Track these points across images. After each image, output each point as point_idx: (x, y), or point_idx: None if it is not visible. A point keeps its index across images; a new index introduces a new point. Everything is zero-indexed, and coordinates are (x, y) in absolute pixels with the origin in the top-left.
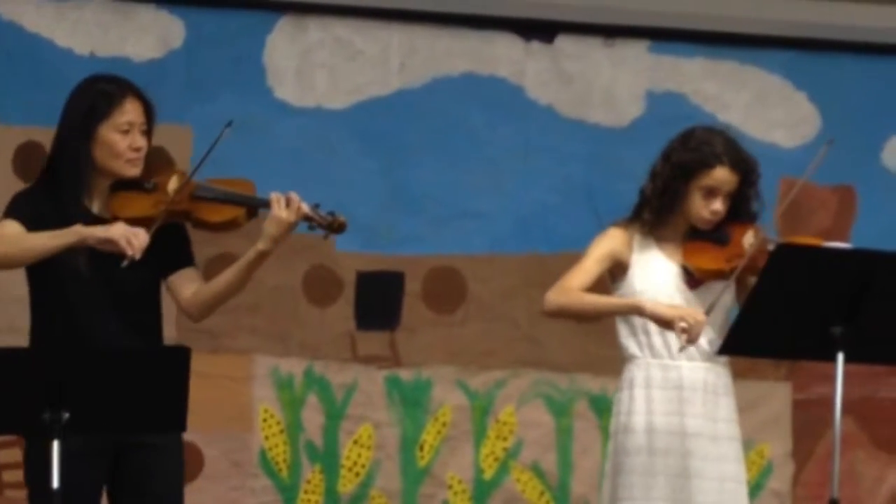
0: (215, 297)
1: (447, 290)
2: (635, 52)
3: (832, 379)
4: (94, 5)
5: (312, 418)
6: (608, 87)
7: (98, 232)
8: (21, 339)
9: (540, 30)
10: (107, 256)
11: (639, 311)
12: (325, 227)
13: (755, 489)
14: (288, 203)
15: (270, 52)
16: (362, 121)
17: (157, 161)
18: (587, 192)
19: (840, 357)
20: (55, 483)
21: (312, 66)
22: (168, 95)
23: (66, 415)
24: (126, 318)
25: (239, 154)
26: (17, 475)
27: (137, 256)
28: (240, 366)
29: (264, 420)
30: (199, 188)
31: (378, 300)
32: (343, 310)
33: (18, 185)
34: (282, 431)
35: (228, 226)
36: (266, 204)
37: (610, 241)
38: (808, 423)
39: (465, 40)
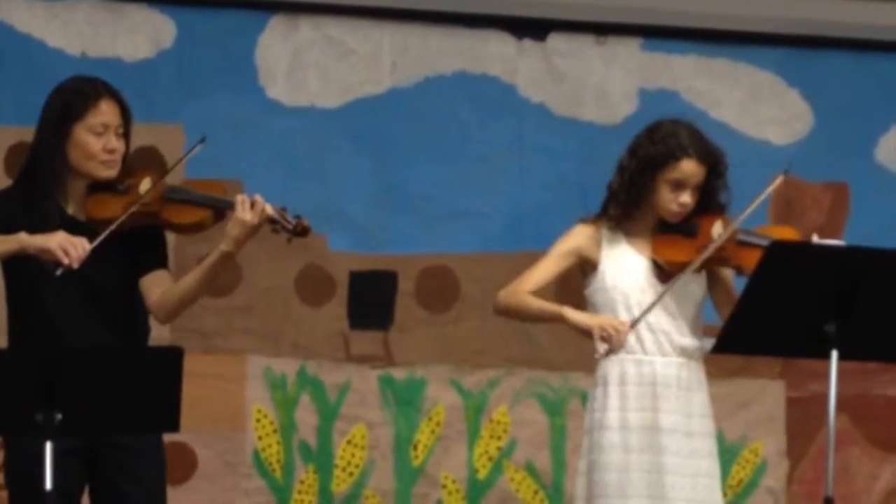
0: (181, 300)
1: (440, 289)
2: (628, 50)
3: (826, 376)
4: (86, 5)
5: (306, 418)
6: (601, 84)
7: (37, 241)
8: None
9: (532, 28)
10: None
11: (560, 319)
12: (288, 231)
13: (749, 487)
14: (252, 205)
15: (262, 51)
16: (354, 120)
17: (140, 162)
18: (580, 191)
19: (834, 354)
20: (48, 485)
21: (304, 66)
22: (160, 95)
23: (59, 416)
24: (99, 317)
25: (231, 154)
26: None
27: (75, 266)
28: (233, 366)
29: (257, 420)
30: (169, 190)
31: (371, 299)
32: (336, 309)
33: None
34: (275, 431)
35: (195, 228)
36: (228, 205)
37: (574, 238)
38: (803, 421)
39: (458, 39)
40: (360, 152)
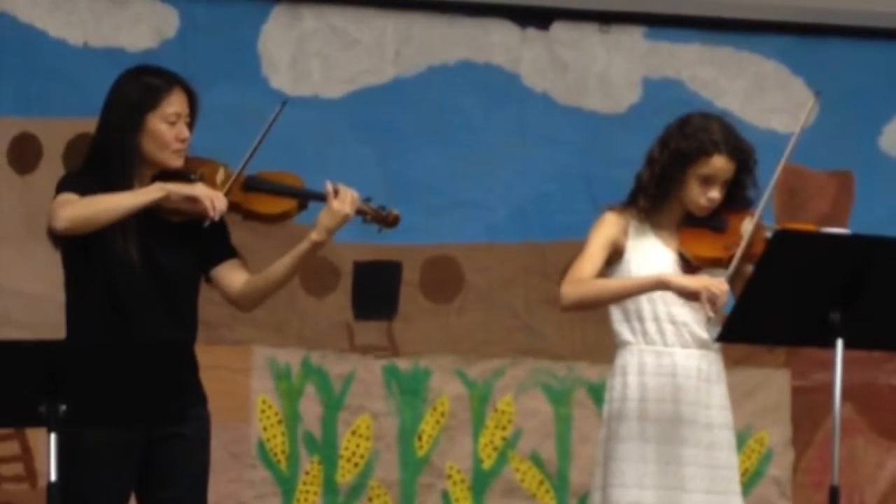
0: (268, 287)
1: (444, 279)
2: (631, 39)
3: (831, 365)
4: None
5: (310, 409)
6: (604, 73)
7: (184, 189)
8: (16, 332)
9: (535, 17)
10: (155, 246)
11: (664, 285)
12: (378, 221)
13: (755, 477)
14: (346, 196)
15: (265, 41)
16: (358, 109)
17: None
18: (584, 180)
19: (839, 343)
20: (52, 476)
21: (308, 55)
22: None
23: (63, 407)
24: (170, 311)
25: (235, 143)
26: (16, 468)
27: (217, 218)
28: (237, 357)
29: (262, 411)
30: (251, 179)
31: (375, 290)
32: (340, 300)
33: (13, 177)
34: (280, 422)
35: (281, 217)
36: (318, 196)
37: (609, 227)
38: (808, 410)
39: (461, 28)
40: (363, 142)
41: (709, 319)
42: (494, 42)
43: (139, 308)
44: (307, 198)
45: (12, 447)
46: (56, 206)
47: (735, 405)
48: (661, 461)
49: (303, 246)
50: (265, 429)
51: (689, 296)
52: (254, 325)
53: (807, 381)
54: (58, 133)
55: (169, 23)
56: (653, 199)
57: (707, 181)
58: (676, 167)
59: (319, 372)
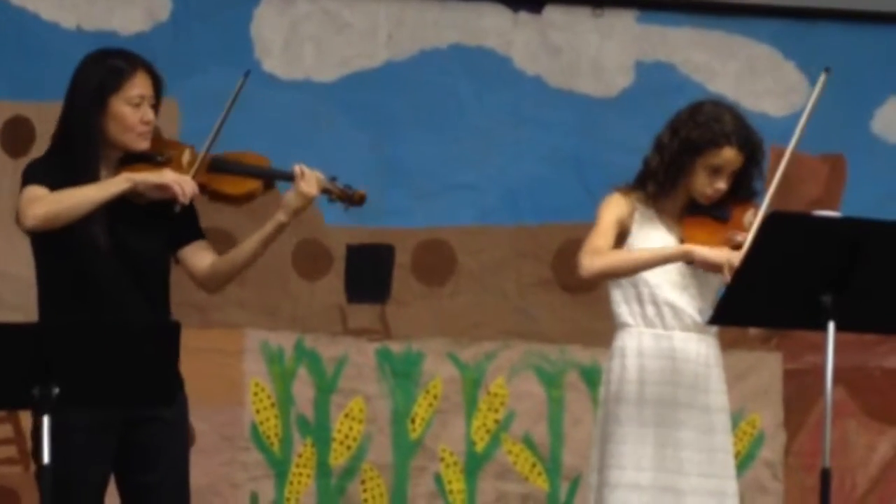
0: (234, 269)
1: (437, 262)
2: (623, 23)
3: (823, 348)
4: None
5: (303, 392)
6: (596, 57)
7: (151, 177)
8: (8, 315)
9: (528, 0)
10: (123, 229)
11: (689, 256)
12: (344, 200)
13: (747, 459)
14: (310, 177)
15: (258, 24)
16: (350, 93)
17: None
18: (576, 163)
19: (831, 326)
20: (46, 459)
21: (300, 39)
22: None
23: (56, 390)
24: (143, 293)
25: (227, 127)
26: (9, 451)
27: (186, 203)
28: (230, 340)
29: (255, 394)
30: (217, 160)
31: (368, 273)
32: (333, 283)
33: (5, 160)
34: (273, 405)
35: (247, 198)
36: (285, 176)
37: (617, 208)
38: (799, 393)
39: (453, 12)
40: (355, 126)
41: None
42: (487, 26)
43: (109, 291)
44: (273, 177)
45: (5, 430)
46: (24, 204)
47: (727, 388)
48: (659, 444)
49: (268, 227)
50: (258, 412)
51: (713, 268)
52: (246, 308)
53: (798, 363)
54: (50, 116)
55: (161, 6)
56: (661, 185)
57: (715, 172)
58: (686, 156)
59: (312, 355)
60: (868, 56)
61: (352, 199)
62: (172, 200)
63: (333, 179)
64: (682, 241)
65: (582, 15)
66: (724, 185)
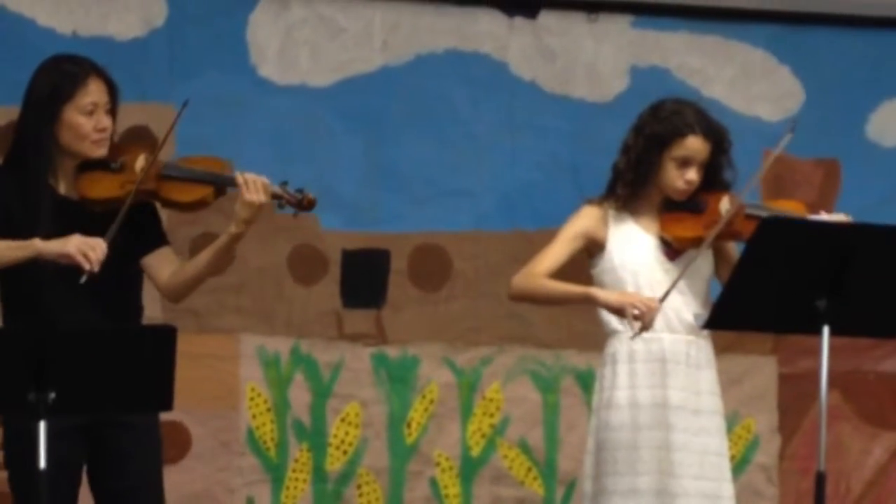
0: (193, 279)
1: (433, 267)
2: (618, 27)
3: (818, 352)
4: None
5: (299, 397)
6: (592, 62)
7: (54, 247)
8: None
9: (523, 6)
10: (72, 233)
11: (590, 299)
12: (294, 205)
13: (742, 463)
14: (256, 185)
15: (253, 29)
16: (346, 98)
17: (130, 140)
18: (572, 168)
19: (825, 330)
20: (42, 464)
21: (296, 44)
22: (151, 74)
23: (52, 395)
24: (101, 301)
25: (222, 132)
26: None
27: (96, 269)
28: (226, 345)
29: (251, 399)
30: (166, 167)
31: (363, 278)
32: (329, 288)
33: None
34: (269, 410)
35: (197, 205)
36: (232, 182)
37: (582, 221)
38: (794, 397)
39: (449, 17)
40: (351, 131)
41: (634, 336)
42: (482, 31)
43: (59, 301)
44: (222, 184)
45: None
46: None
47: (722, 392)
48: (653, 447)
49: (222, 240)
50: (254, 417)
51: (615, 311)
52: (243, 313)
53: (793, 368)
54: None
55: (157, 12)
56: (631, 185)
57: (684, 163)
58: (652, 152)
59: (308, 360)
60: (863, 61)
61: (301, 204)
62: (79, 269)
63: (284, 184)
64: (660, 238)
65: (577, 20)
66: (695, 176)
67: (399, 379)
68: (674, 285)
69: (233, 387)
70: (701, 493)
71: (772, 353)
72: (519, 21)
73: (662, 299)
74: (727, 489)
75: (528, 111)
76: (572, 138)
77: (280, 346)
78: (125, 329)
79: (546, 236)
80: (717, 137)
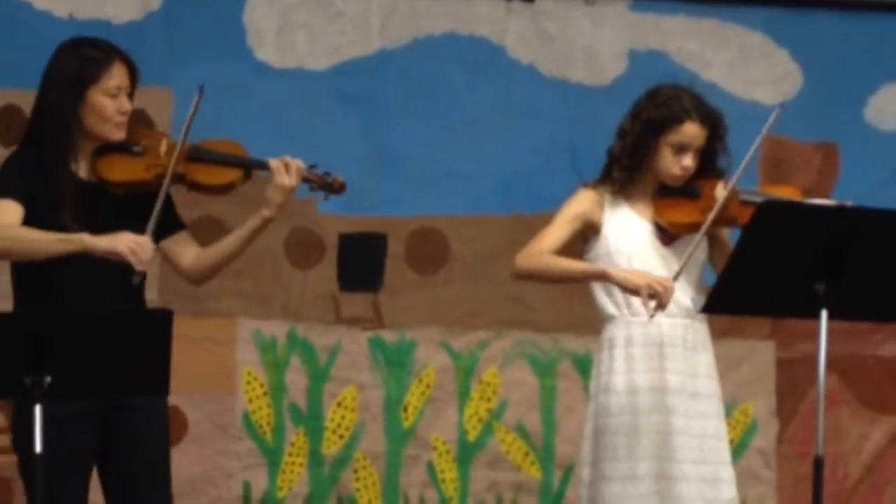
0: (219, 262)
1: (430, 250)
2: (616, 11)
3: (816, 336)
4: None
5: (296, 380)
6: (590, 46)
7: (102, 244)
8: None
9: None
10: (99, 219)
11: (605, 277)
12: (324, 188)
13: (740, 448)
14: (287, 167)
15: (250, 12)
16: (343, 82)
17: (141, 125)
18: (570, 152)
19: (824, 314)
20: (38, 448)
21: (293, 27)
22: (148, 58)
23: (48, 379)
24: (115, 286)
25: (220, 116)
26: (2, 440)
27: (146, 269)
28: (223, 329)
29: (248, 383)
30: (195, 150)
31: (361, 262)
32: (326, 272)
33: None
34: (265, 394)
35: (226, 188)
36: (262, 166)
37: (579, 203)
38: (792, 381)
39: (446, 0)
40: (348, 114)
41: (651, 315)
42: (480, 14)
43: (78, 282)
44: (252, 167)
45: None
46: None
47: (720, 376)
48: (652, 432)
49: (254, 222)
50: (251, 400)
51: (631, 291)
52: (239, 297)
53: (791, 352)
54: None
55: None
56: (627, 170)
57: (680, 149)
58: (649, 137)
59: (305, 344)
60: (861, 44)
61: (332, 187)
62: (128, 268)
63: (313, 167)
64: (655, 224)
65: (575, 3)
66: (691, 162)
67: (396, 363)
68: (685, 264)
69: (229, 370)
70: (700, 477)
71: (770, 337)
72: (517, 4)
73: (675, 278)
74: (726, 472)
75: (526, 95)
76: (570, 122)
77: (277, 329)
78: (122, 312)
79: (544, 220)
80: (714, 123)
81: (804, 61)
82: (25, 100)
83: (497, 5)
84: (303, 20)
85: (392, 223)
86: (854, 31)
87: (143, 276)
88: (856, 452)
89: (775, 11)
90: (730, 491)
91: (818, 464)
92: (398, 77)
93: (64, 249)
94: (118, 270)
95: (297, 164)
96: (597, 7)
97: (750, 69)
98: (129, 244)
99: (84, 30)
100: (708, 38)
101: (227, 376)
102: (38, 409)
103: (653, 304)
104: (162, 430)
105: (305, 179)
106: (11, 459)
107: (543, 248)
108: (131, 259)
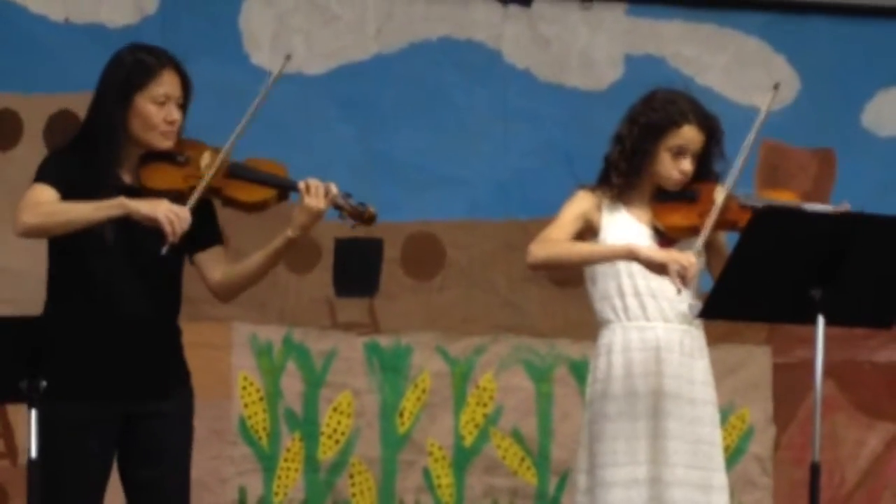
0: (244, 280)
1: (426, 256)
2: (613, 16)
3: (812, 342)
4: None
5: (292, 386)
6: (586, 50)
7: (143, 208)
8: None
9: None
10: (133, 226)
11: (632, 255)
12: (354, 217)
13: (736, 453)
14: (318, 190)
15: (246, 17)
16: (339, 86)
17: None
18: (566, 157)
19: (820, 320)
20: (33, 453)
21: (289, 32)
22: None
23: (44, 383)
24: (148, 292)
25: (216, 120)
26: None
27: (177, 241)
28: (218, 333)
29: (243, 388)
30: (233, 166)
31: (357, 267)
32: (321, 277)
33: None
34: (261, 399)
35: (258, 206)
36: (296, 187)
37: (580, 203)
38: (789, 387)
39: (443, 5)
40: (344, 119)
41: (679, 291)
42: (476, 19)
43: (113, 290)
44: (287, 189)
45: None
46: (22, 205)
47: (716, 382)
48: (649, 436)
49: (278, 242)
50: (246, 406)
51: (657, 268)
52: (235, 301)
53: (788, 357)
54: (38, 109)
55: None
56: (625, 175)
57: (679, 153)
58: (647, 141)
59: (301, 349)
60: (858, 50)
61: (361, 217)
62: (161, 236)
63: (347, 195)
64: (653, 228)
65: (571, 8)
66: (690, 166)
67: (392, 368)
68: (702, 243)
69: (225, 375)
70: (692, 483)
71: (766, 342)
72: (513, 9)
73: (697, 255)
74: (718, 479)
75: (522, 99)
76: (566, 127)
77: (272, 334)
78: (116, 319)
79: (540, 225)
80: (711, 127)
81: (801, 67)
82: (21, 104)
83: (493, 10)
84: (299, 24)
85: (388, 228)
86: (851, 36)
87: (173, 248)
88: (852, 458)
89: (772, 17)
90: (721, 498)
91: (815, 470)
92: (394, 82)
93: (105, 215)
94: (154, 259)
95: (333, 190)
96: (593, 12)
97: (747, 74)
98: (167, 213)
99: (79, 33)
100: (705, 43)
101: (222, 381)
102: (33, 414)
103: (679, 280)
104: (184, 436)
105: (337, 206)
106: (4, 465)
107: (557, 238)
108: (167, 228)
